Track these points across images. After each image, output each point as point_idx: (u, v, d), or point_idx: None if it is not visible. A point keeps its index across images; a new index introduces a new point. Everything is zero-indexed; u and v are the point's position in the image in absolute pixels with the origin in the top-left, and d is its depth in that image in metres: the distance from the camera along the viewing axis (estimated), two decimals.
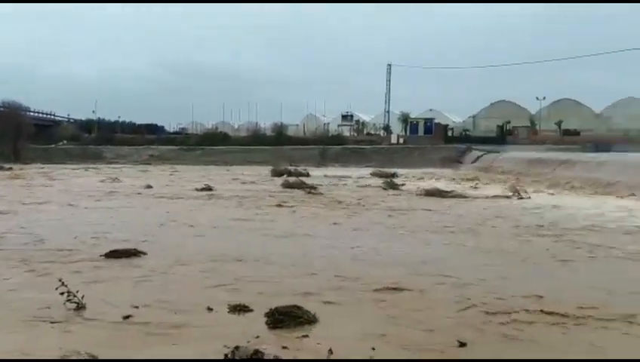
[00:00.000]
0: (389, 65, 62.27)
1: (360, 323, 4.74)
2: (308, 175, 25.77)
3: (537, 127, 57.18)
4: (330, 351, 3.99)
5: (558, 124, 55.46)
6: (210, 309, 5.08)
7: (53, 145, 45.00)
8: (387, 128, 60.70)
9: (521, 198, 15.98)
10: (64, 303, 4.98)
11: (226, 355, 3.92)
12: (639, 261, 7.44)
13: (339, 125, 64.07)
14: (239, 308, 5.00)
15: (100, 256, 7.32)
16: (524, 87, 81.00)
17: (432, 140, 47.30)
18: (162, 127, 66.22)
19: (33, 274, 6.41)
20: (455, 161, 37.80)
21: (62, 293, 4.95)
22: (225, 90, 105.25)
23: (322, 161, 39.71)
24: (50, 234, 9.18)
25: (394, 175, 25.54)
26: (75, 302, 4.98)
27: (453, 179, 25.68)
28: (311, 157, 39.94)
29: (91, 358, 3.87)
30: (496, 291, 5.73)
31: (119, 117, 64.92)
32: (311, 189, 17.94)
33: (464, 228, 10.23)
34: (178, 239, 8.92)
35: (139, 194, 17.06)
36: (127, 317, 4.85)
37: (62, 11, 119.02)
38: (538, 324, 4.71)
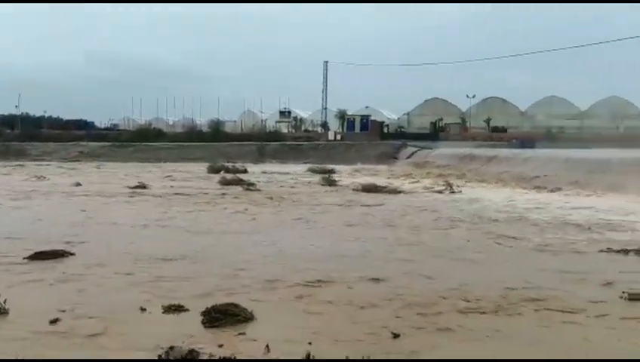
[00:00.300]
0: (326, 62, 62.75)
1: (295, 318, 4.77)
2: (245, 171, 25.55)
3: (468, 124, 59.35)
4: (267, 348, 3.99)
5: (487, 121, 57.81)
6: (143, 310, 4.95)
7: None
8: (325, 125, 61.13)
9: (453, 192, 16.59)
10: None
11: (159, 356, 3.84)
12: (555, 252, 7.88)
13: (277, 121, 63.89)
14: (174, 308, 4.90)
15: (24, 258, 6.95)
16: (456, 86, 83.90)
17: (369, 137, 48.05)
18: (92, 123, 63.68)
19: None
20: (391, 157, 38.57)
21: None
22: (159, 86, 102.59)
23: (260, 157, 39.43)
24: None
25: (331, 171, 25.79)
26: None
27: (389, 174, 26.24)
28: (249, 154, 39.57)
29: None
30: (422, 283, 5.92)
31: (45, 112, 61.81)
32: (248, 186, 17.80)
33: (396, 222, 10.50)
34: (108, 239, 8.61)
35: (66, 192, 16.30)
36: (54, 321, 4.64)
37: None
38: (465, 314, 4.90)
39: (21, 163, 33.81)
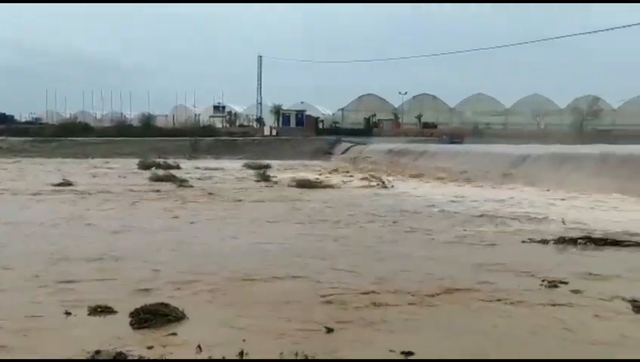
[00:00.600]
0: (260, 57, 62.39)
1: (226, 316, 4.70)
2: (178, 167, 24.97)
3: (400, 120, 60.81)
4: (199, 348, 3.92)
5: (418, 117, 59.49)
6: (68, 313, 4.72)
7: None
8: (260, 120, 60.76)
9: (386, 187, 16.96)
10: None
11: (85, 360, 3.69)
12: (478, 243, 8.21)
13: (210, 116, 62.84)
14: (100, 310, 4.71)
15: None
16: (388, 82, 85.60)
17: (304, 132, 48.23)
18: (12, 116, 60.02)
19: None
20: (326, 153, 38.91)
21: None
22: (85, 78, 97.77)
23: (194, 153, 38.64)
24: None
25: (267, 166, 25.68)
26: None
27: (325, 170, 26.45)
28: (181, 149, 38.69)
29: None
30: (347, 277, 5.96)
31: None
32: (181, 182, 17.40)
33: (325, 217, 10.58)
34: (25, 239, 8.16)
35: None
36: None
37: None
38: (393, 306, 4.99)
39: None
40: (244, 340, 4.06)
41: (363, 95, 68.43)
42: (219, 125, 59.04)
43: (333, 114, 67.95)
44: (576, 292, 5.43)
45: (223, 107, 65.68)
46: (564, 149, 20.31)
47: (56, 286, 5.59)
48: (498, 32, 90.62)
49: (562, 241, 7.87)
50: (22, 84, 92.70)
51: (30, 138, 41.40)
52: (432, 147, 29.03)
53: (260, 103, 63.59)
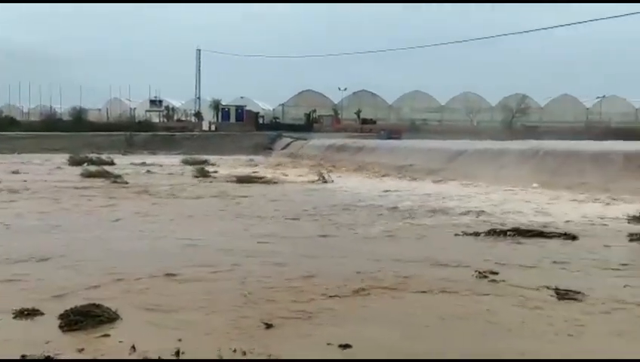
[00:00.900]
0: (199, 50, 61.17)
1: (160, 314, 4.60)
2: (112, 163, 24.11)
3: (340, 116, 61.38)
4: (133, 348, 3.82)
5: (358, 113, 60.23)
6: None
7: None
8: (198, 115, 59.58)
9: (326, 182, 17.10)
10: None
11: None
12: (414, 235, 8.46)
13: (147, 110, 61.00)
14: (27, 313, 4.48)
15: None
16: (328, 78, 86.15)
17: (244, 127, 47.85)
18: None
19: None
20: (266, 148, 38.74)
21: None
22: (12, 70, 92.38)
23: (129, 148, 37.40)
24: None
25: (205, 162, 25.26)
26: None
27: (265, 165, 26.34)
28: (116, 145, 37.37)
29: None
30: (276, 273, 5.96)
31: None
32: (114, 178, 16.82)
33: (263, 212, 10.54)
34: None
35: None
36: None
37: None
38: (327, 299, 5.04)
39: None
40: (179, 339, 3.99)
41: (303, 91, 68.46)
42: (156, 120, 57.44)
43: (274, 109, 67.67)
44: (505, 281, 5.69)
45: (160, 101, 63.90)
46: (496, 145, 21.21)
47: None
48: (436, 31, 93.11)
49: (493, 233, 8.22)
50: None
51: None
52: (371, 143, 29.54)
53: (199, 98, 62.35)
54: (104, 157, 26.36)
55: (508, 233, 8.20)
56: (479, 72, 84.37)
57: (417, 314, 4.72)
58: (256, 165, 26.21)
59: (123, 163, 25.30)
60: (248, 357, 3.75)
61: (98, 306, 4.44)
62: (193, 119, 59.31)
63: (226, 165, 25.91)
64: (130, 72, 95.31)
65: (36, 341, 3.94)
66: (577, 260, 6.65)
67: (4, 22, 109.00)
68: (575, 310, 4.81)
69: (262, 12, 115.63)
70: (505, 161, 17.47)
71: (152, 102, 63.33)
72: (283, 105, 67.54)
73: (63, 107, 61.17)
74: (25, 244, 7.36)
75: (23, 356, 3.63)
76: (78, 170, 20.24)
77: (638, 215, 9.02)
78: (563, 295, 5.15)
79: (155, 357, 3.71)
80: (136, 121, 52.32)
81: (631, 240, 7.77)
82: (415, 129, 48.94)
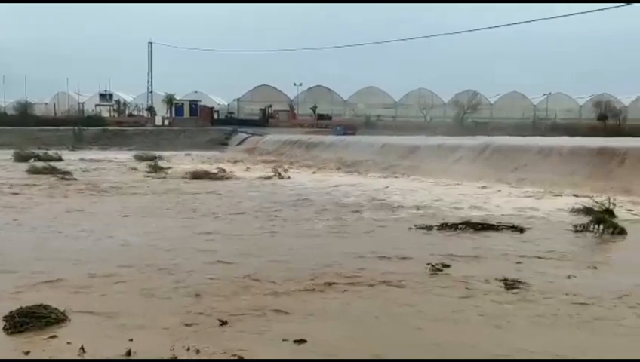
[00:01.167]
0: (150, 43, 59.74)
1: (109, 314, 4.48)
2: (60, 159, 23.30)
3: (296, 111, 61.29)
4: (82, 349, 3.72)
5: (314, 109, 60.29)
6: None
7: None
8: (151, 109, 58.23)
9: (282, 178, 17.06)
10: None
11: None
12: (366, 231, 8.58)
13: (97, 105, 59.15)
14: None
15: None
16: (283, 73, 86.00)
17: (198, 122, 47.16)
18: None
19: None
20: (222, 143, 38.33)
21: None
22: None
23: (78, 143, 36.25)
24: None
25: (159, 158, 24.75)
26: None
27: (221, 161, 26.03)
28: (65, 140, 36.15)
29: None
30: (222, 270, 5.90)
31: None
32: (63, 175, 16.27)
33: (211, 210, 10.39)
34: None
35: None
36: None
37: None
38: (279, 295, 5.05)
39: None
40: (130, 339, 3.90)
41: (259, 86, 67.90)
42: (106, 114, 55.78)
43: (229, 104, 66.85)
44: (456, 274, 5.84)
45: (111, 95, 62.04)
46: (448, 141, 21.69)
47: None
48: (391, 28, 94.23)
49: (445, 227, 8.40)
50: None
51: None
52: (327, 138, 29.67)
53: (151, 92, 60.89)
54: (52, 153, 25.43)
55: (459, 226, 8.40)
56: (432, 69, 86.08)
57: (369, 307, 4.78)
58: (211, 161, 25.87)
59: (72, 159, 24.53)
60: (202, 355, 3.72)
61: (45, 307, 4.29)
62: (145, 114, 57.93)
63: (181, 161, 25.49)
64: (79, 65, 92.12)
65: None
66: (525, 252, 6.89)
67: None
68: (516, 300, 4.99)
69: (219, 6, 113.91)
70: (456, 156, 17.91)
71: (102, 96, 61.42)
72: (238, 100, 66.82)
73: (7, 100, 58.66)
74: None
75: None
76: (24, 166, 19.45)
77: (582, 208, 9.42)
78: (511, 285, 5.33)
79: (104, 358, 3.63)
80: (86, 115, 50.72)
81: (575, 232, 8.12)
82: (370, 125, 49.49)
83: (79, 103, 60.19)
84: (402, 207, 10.93)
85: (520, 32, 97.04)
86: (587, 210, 9.11)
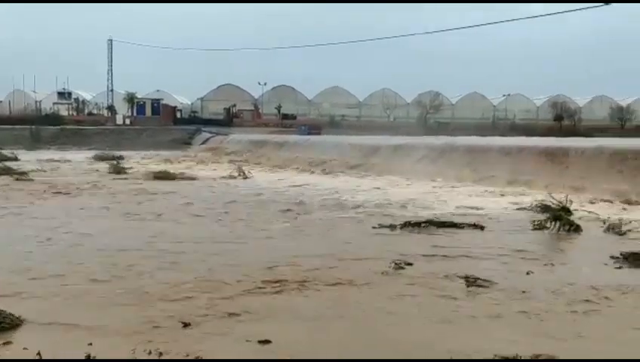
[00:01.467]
0: (110, 40, 58.39)
1: (66, 319, 4.36)
2: (16, 159, 22.54)
3: (261, 111, 60.94)
4: (39, 355, 3.61)
5: (278, 108, 60.07)
6: None
7: None
8: (111, 108, 56.89)
9: (246, 178, 16.95)
10: None
11: None
12: (328, 230, 8.60)
13: (54, 103, 57.39)
14: None
15: None
16: (247, 72, 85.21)
17: (161, 122, 46.37)
18: None
19: None
20: (185, 143, 37.77)
21: None
22: None
23: (35, 143, 35.09)
24: None
25: (120, 158, 24.20)
26: None
27: (184, 161, 25.68)
28: (20, 140, 34.91)
29: None
30: (180, 271, 5.86)
31: None
32: (19, 176, 15.75)
33: (176, 210, 10.29)
34: None
35: None
36: None
37: None
38: (240, 296, 5.03)
39: None
40: (90, 344, 3.81)
41: (222, 85, 67.18)
42: (64, 113, 54.18)
43: (192, 103, 65.93)
44: (419, 271, 5.93)
45: (69, 93, 60.31)
46: (411, 140, 21.98)
47: None
48: (355, 29, 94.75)
49: (408, 225, 8.51)
50: None
51: None
52: (292, 138, 29.62)
53: (112, 90, 59.47)
54: (7, 152, 24.55)
55: (422, 225, 8.53)
56: (396, 70, 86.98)
57: (333, 307, 4.80)
58: (173, 161, 25.47)
59: (29, 159, 23.73)
60: (165, 357, 3.66)
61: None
62: (106, 113, 56.57)
63: (142, 161, 25.01)
64: (36, 62, 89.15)
65: None
66: (486, 249, 7.05)
67: None
68: (476, 297, 5.10)
69: (184, 6, 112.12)
70: (419, 155, 18.15)
71: (60, 94, 59.66)
72: (202, 99, 65.97)
73: None
74: None
75: None
76: None
77: (540, 205, 9.69)
78: (472, 282, 5.45)
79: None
80: (43, 114, 49.20)
81: (534, 229, 8.36)
82: (334, 124, 49.59)
83: (36, 101, 58.21)
84: (365, 205, 11.01)
85: (481, 34, 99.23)
86: (544, 208, 9.37)
